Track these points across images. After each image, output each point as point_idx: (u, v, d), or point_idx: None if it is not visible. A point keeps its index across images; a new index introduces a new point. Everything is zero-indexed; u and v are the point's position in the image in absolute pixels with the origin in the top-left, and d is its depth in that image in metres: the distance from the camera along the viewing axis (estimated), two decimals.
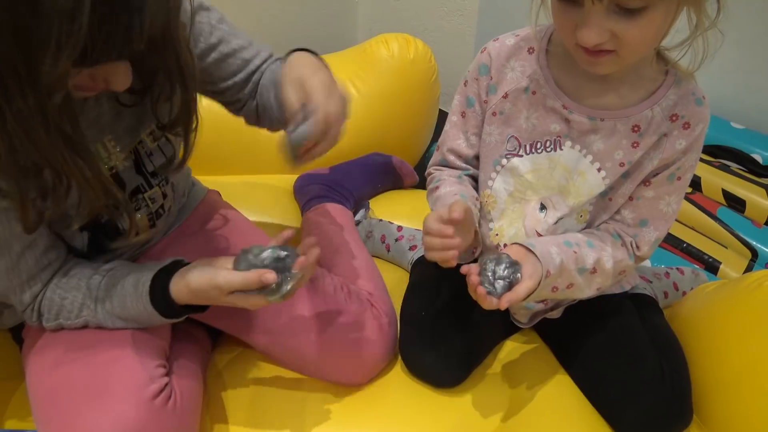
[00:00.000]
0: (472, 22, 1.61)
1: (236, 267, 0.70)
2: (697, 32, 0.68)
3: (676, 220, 1.33)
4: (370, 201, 1.24)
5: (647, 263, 1.18)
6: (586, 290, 0.82)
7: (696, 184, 1.39)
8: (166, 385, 0.71)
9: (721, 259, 1.22)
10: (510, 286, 0.71)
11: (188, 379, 0.77)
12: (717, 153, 1.47)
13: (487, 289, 0.70)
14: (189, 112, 0.72)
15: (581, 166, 0.79)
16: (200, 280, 0.70)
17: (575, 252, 0.78)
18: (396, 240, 1.12)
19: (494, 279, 0.71)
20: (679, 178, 0.79)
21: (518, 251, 0.76)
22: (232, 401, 0.85)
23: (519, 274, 0.71)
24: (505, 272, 0.71)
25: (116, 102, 0.72)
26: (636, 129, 0.76)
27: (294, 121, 0.69)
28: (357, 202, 1.20)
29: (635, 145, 0.77)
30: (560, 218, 0.82)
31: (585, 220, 0.83)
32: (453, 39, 1.64)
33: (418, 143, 1.39)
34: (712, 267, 1.22)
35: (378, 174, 1.27)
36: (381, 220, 1.18)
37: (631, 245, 0.82)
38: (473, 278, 0.70)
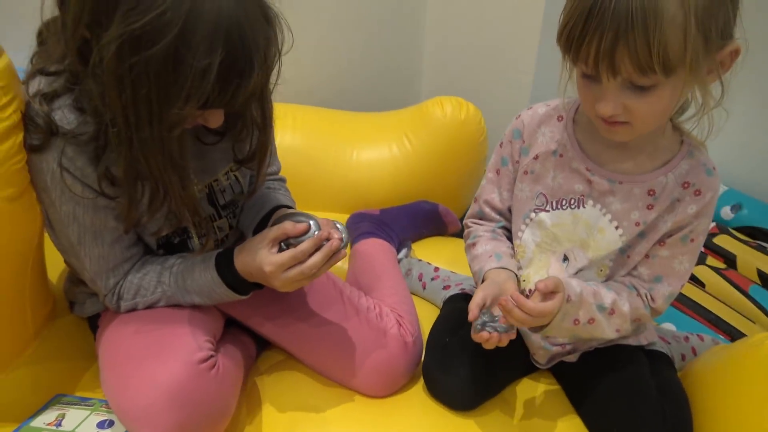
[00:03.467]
0: (526, 93, 1.74)
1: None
2: (704, 110, 0.78)
3: (708, 293, 1.38)
4: (413, 243, 1.35)
5: (671, 327, 1.23)
6: (607, 330, 0.89)
7: (732, 261, 1.44)
8: (212, 356, 0.83)
9: (747, 332, 1.25)
10: (511, 326, 0.81)
11: (231, 361, 0.88)
12: (756, 234, 1.51)
13: (489, 331, 0.81)
14: (265, 150, 0.87)
15: (601, 223, 0.88)
16: (248, 243, 0.84)
17: (594, 290, 0.86)
18: (432, 279, 1.22)
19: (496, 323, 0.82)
20: (692, 240, 0.87)
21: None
22: (266, 397, 0.95)
23: None
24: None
25: (200, 142, 0.87)
26: (651, 193, 0.85)
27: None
28: (401, 243, 1.32)
29: (650, 207, 0.86)
30: (580, 269, 0.91)
31: (605, 274, 0.91)
32: (507, 106, 1.77)
33: (463, 196, 1.50)
34: (737, 338, 1.25)
35: (423, 219, 1.38)
36: (420, 260, 1.29)
37: (646, 297, 0.90)
38: (476, 335, 0.82)
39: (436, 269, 1.24)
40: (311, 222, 0.82)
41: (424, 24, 1.83)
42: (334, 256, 0.82)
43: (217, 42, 0.64)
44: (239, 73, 0.67)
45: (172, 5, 0.62)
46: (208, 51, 0.64)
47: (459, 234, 1.44)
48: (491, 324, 0.82)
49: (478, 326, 0.82)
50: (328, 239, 0.80)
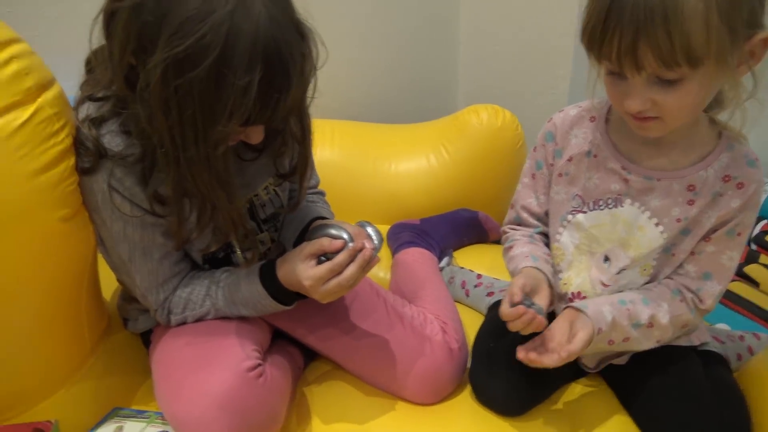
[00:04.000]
0: (563, 98, 1.73)
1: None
2: (737, 103, 0.76)
3: (762, 291, 1.34)
4: (454, 251, 1.35)
5: (726, 327, 1.20)
6: (645, 342, 0.88)
7: None
8: (259, 365, 0.85)
9: None
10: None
11: (278, 370, 0.91)
12: None
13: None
14: (305, 164, 0.89)
15: (640, 222, 0.87)
16: (290, 252, 0.86)
17: (628, 309, 0.86)
18: (475, 286, 1.21)
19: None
20: (738, 234, 0.85)
21: (570, 314, 0.86)
22: (315, 407, 0.96)
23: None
24: None
25: (239, 158, 0.90)
26: (691, 188, 0.84)
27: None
28: (442, 251, 1.32)
29: (691, 203, 0.84)
30: (622, 269, 0.90)
31: (649, 273, 0.90)
32: (544, 112, 1.76)
33: (502, 202, 1.48)
34: None
35: (464, 227, 1.38)
36: (462, 267, 1.29)
37: (692, 300, 0.88)
38: (523, 355, 0.83)
39: (479, 276, 1.24)
40: (345, 235, 0.84)
41: (458, 32, 1.84)
42: (368, 265, 0.83)
43: (256, 60, 0.66)
44: (278, 88, 0.70)
45: (212, 28, 0.65)
46: (247, 69, 0.66)
47: (500, 241, 1.43)
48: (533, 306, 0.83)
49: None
50: (361, 249, 0.82)
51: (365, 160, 1.47)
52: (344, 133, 1.50)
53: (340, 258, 0.81)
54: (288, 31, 0.70)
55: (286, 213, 0.99)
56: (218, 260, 0.94)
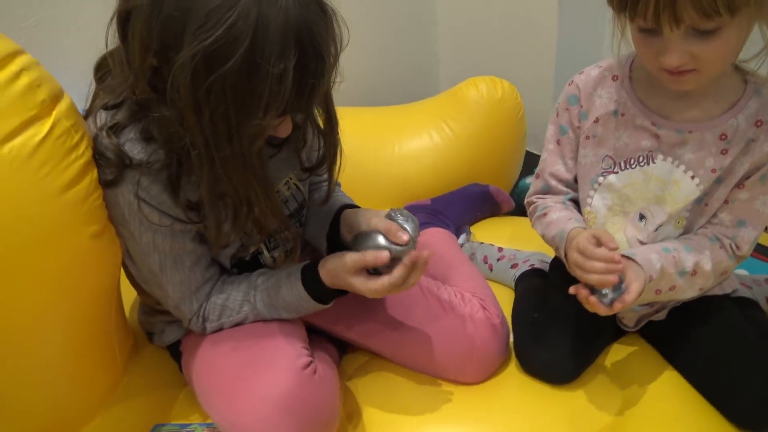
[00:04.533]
0: (550, 68, 1.72)
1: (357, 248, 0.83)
2: None
3: None
4: (470, 227, 1.35)
5: (745, 272, 1.21)
6: (689, 291, 0.88)
7: None
8: (311, 362, 0.83)
9: None
10: (616, 294, 0.79)
11: (326, 364, 0.88)
12: None
13: (598, 298, 0.79)
14: (335, 153, 0.86)
15: (675, 176, 0.87)
16: (333, 260, 0.83)
17: (674, 257, 0.85)
18: (498, 260, 1.21)
19: (602, 290, 0.79)
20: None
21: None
22: (362, 399, 0.95)
23: (623, 284, 0.80)
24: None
25: None
26: (723, 137, 0.84)
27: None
28: (458, 229, 1.31)
29: (724, 152, 0.84)
30: (659, 225, 0.90)
31: (683, 226, 0.90)
32: (532, 83, 1.76)
33: (509, 174, 1.49)
34: None
35: (476, 202, 1.37)
36: (482, 242, 1.28)
37: (731, 246, 0.88)
38: (583, 291, 0.80)
39: (500, 249, 1.23)
40: (393, 248, 0.81)
41: (434, 7, 1.82)
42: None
43: (289, 45, 0.63)
44: (313, 73, 0.67)
45: (240, 15, 0.62)
46: (281, 55, 0.63)
47: (513, 212, 1.43)
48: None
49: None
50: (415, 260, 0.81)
51: (367, 145, 1.44)
52: (342, 121, 1.47)
53: (399, 273, 0.80)
54: (316, 12, 0.67)
55: (317, 206, 0.97)
56: (246, 263, 0.91)
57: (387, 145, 1.44)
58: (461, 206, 1.34)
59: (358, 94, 1.69)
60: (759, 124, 0.83)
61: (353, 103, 1.57)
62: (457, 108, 1.43)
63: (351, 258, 0.81)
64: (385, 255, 0.80)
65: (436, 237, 1.20)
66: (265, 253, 0.91)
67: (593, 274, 0.79)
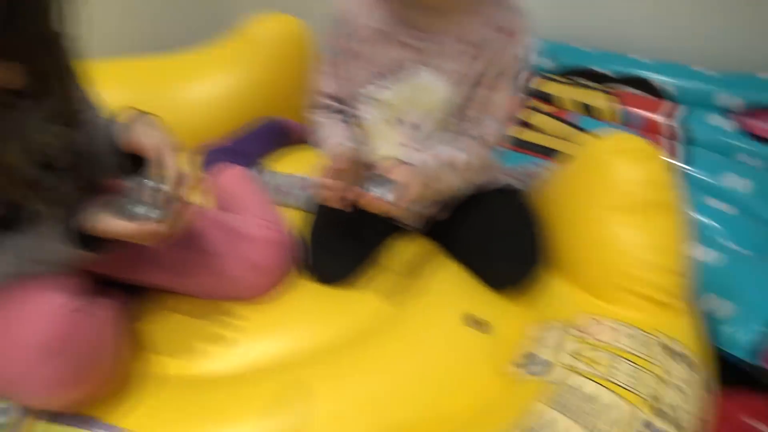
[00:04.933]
0: None
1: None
2: None
3: (538, 131, 1.56)
4: (263, 160, 1.40)
5: (519, 167, 1.37)
6: (458, 182, 1.02)
7: (548, 97, 1.60)
8: (74, 304, 0.79)
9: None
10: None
11: (100, 306, 0.86)
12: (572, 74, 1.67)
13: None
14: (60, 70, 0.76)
15: (436, 85, 0.97)
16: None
17: (442, 156, 0.97)
18: (292, 186, 1.29)
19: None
20: (510, 77, 0.97)
21: (394, 163, 0.95)
22: (152, 335, 0.96)
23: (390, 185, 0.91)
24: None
25: None
26: (474, 45, 0.94)
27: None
28: (258, 164, 1.37)
29: (475, 57, 0.95)
30: (428, 132, 1.01)
31: (450, 129, 1.01)
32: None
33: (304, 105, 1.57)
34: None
35: (273, 137, 1.44)
36: (274, 171, 1.34)
37: (481, 138, 1.00)
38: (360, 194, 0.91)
39: (290, 175, 1.31)
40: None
41: None
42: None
43: None
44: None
45: None
46: None
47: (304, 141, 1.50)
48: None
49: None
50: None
51: (157, 96, 1.42)
52: (128, 74, 1.45)
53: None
54: None
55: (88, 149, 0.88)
56: (7, 221, 0.81)
57: (179, 93, 1.45)
58: (259, 143, 1.40)
59: (149, 40, 1.66)
60: (500, 29, 0.94)
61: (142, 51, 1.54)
62: (248, 48, 1.47)
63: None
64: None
65: (236, 177, 1.25)
66: (30, 208, 0.80)
67: (331, 202, 0.94)
